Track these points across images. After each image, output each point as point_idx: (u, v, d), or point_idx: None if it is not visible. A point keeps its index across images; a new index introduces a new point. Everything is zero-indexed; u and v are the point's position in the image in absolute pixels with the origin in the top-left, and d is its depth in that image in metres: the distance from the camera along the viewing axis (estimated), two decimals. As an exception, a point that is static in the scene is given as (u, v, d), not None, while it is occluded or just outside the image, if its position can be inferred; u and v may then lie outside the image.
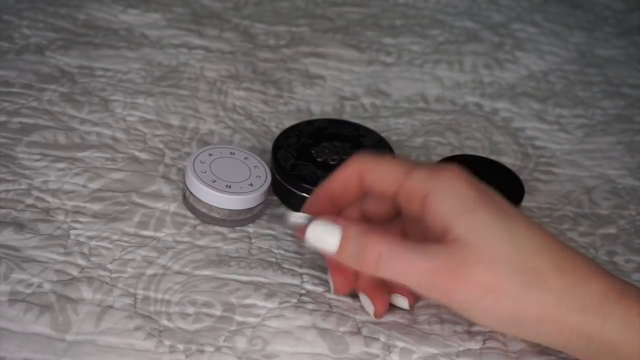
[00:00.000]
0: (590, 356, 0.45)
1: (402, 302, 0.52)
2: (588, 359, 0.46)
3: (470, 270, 0.45)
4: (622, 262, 0.60)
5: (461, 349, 0.51)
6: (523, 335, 0.47)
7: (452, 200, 0.46)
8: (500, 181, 0.58)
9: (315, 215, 0.49)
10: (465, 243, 0.45)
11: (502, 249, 0.45)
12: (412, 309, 0.52)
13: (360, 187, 0.50)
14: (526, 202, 0.63)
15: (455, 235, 0.45)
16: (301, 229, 0.49)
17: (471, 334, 0.51)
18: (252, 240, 0.57)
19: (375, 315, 0.51)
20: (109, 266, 0.53)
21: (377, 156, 0.50)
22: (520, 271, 0.45)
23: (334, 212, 0.51)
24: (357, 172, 0.50)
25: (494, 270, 0.45)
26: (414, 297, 0.52)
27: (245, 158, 0.59)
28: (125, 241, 0.55)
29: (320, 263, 0.55)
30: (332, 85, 0.75)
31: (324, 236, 0.47)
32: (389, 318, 0.52)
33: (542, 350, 0.51)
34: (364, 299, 0.52)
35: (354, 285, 0.52)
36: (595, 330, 0.44)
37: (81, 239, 0.54)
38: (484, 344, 0.51)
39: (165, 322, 0.50)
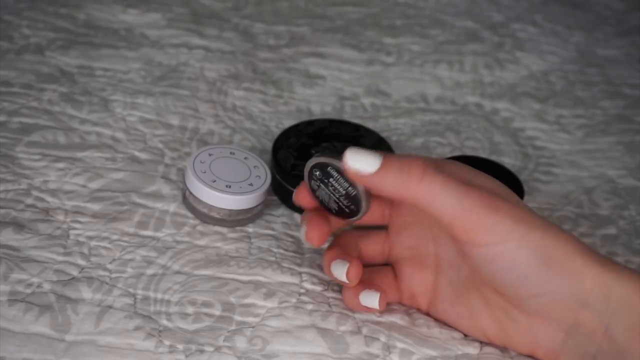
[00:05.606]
0: (608, 316, 0.45)
1: (372, 299, 0.50)
2: (603, 321, 0.45)
3: (503, 204, 0.46)
4: (622, 263, 0.60)
5: (460, 352, 0.50)
6: (550, 281, 0.46)
7: (454, 169, 0.48)
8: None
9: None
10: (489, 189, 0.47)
11: (520, 201, 0.48)
12: (381, 309, 0.51)
13: None
14: (526, 202, 0.63)
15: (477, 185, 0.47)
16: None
17: (468, 341, 0.51)
18: (252, 240, 0.57)
19: (382, 305, 0.50)
20: (109, 266, 0.53)
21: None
22: (542, 219, 0.47)
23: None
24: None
25: (522, 208, 0.47)
26: (386, 297, 0.51)
27: (245, 158, 0.59)
28: (125, 241, 0.55)
29: (319, 262, 0.55)
30: (332, 85, 0.75)
31: (365, 155, 0.47)
32: (389, 319, 0.52)
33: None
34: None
35: (327, 237, 0.51)
36: (613, 283, 0.45)
37: (81, 239, 0.54)
38: (481, 350, 0.51)
39: (165, 322, 0.50)
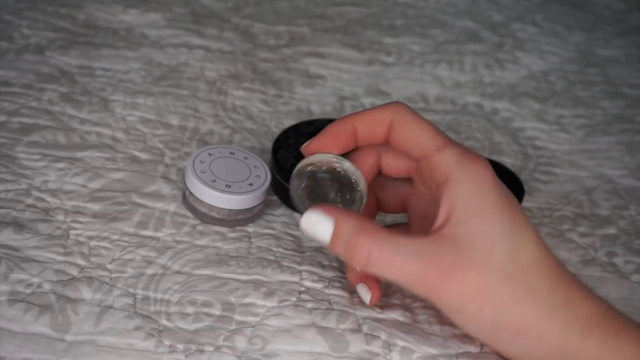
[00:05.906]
0: None
1: (365, 295, 0.51)
2: None
3: (460, 275, 0.44)
4: (622, 264, 0.60)
5: (460, 351, 0.51)
6: (498, 345, 0.47)
7: (470, 198, 0.45)
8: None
9: (329, 146, 0.50)
10: (463, 245, 0.44)
11: (497, 258, 0.44)
12: (373, 303, 0.52)
13: (387, 135, 0.49)
14: (526, 202, 0.63)
15: (457, 232, 0.45)
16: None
17: (470, 338, 0.51)
18: (252, 240, 0.57)
19: (371, 303, 0.51)
20: (109, 266, 0.53)
21: (416, 114, 0.49)
22: (511, 283, 0.44)
23: (350, 147, 0.50)
24: (391, 120, 0.49)
25: (483, 278, 0.44)
26: (380, 294, 0.51)
27: (245, 158, 0.59)
28: (125, 241, 0.55)
29: (319, 260, 0.55)
30: (332, 85, 0.75)
31: (318, 226, 0.47)
32: (390, 315, 0.52)
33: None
34: (361, 288, 0.52)
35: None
36: (573, 348, 0.44)
37: (81, 239, 0.54)
38: (481, 348, 0.51)
39: (164, 322, 0.50)
